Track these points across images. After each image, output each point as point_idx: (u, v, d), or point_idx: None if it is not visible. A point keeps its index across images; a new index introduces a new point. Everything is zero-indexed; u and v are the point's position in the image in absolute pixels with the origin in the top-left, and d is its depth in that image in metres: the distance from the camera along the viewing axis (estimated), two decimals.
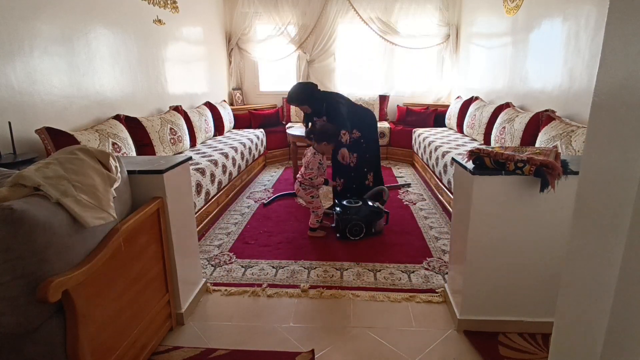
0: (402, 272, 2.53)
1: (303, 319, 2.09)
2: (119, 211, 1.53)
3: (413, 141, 5.39)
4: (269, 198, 4.01)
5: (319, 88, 3.39)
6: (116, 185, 1.53)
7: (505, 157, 1.72)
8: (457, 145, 4.19)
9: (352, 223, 2.95)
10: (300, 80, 3.92)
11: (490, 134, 4.00)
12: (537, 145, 3.02)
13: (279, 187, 4.50)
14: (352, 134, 3.42)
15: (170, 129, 3.74)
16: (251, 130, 5.50)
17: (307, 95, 3.28)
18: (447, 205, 3.58)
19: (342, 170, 3.49)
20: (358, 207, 3.03)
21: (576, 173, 1.70)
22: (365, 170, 3.54)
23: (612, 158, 0.64)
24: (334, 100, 3.37)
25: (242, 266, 2.64)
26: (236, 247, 2.92)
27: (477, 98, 4.82)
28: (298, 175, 3.10)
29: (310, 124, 3.51)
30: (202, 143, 4.51)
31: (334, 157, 3.38)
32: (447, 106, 5.71)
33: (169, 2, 4.25)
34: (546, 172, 1.64)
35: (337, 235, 3.04)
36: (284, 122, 6.18)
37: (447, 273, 2.42)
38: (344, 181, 3.52)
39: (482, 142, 4.23)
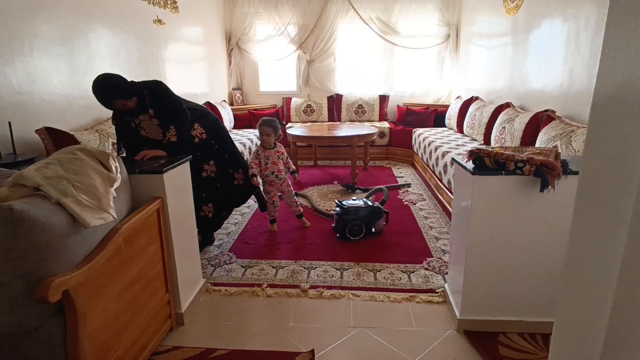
0: (402, 272, 2.53)
1: (303, 319, 2.09)
2: (119, 211, 1.53)
3: (413, 141, 5.39)
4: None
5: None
6: (116, 185, 1.53)
7: (505, 157, 1.72)
8: (457, 145, 4.19)
9: (351, 223, 2.95)
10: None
11: (490, 134, 4.00)
12: (537, 145, 3.02)
13: None
14: (195, 131, 2.66)
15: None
16: (251, 130, 5.50)
17: (124, 82, 2.20)
18: (447, 205, 3.58)
19: (206, 189, 2.75)
20: (358, 207, 3.03)
21: (576, 173, 1.70)
22: (230, 172, 2.89)
23: (612, 158, 0.64)
24: (155, 84, 2.40)
25: (242, 266, 2.64)
26: (236, 247, 2.92)
27: (477, 98, 4.82)
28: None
29: (122, 145, 2.49)
30: None
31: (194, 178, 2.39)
32: (447, 106, 5.71)
33: (169, 2, 4.25)
34: (546, 172, 1.64)
35: (337, 235, 3.04)
36: (284, 122, 6.18)
37: (447, 273, 2.42)
38: (212, 205, 2.81)
39: (482, 142, 4.23)
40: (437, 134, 4.90)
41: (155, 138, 2.44)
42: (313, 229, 3.22)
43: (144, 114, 2.38)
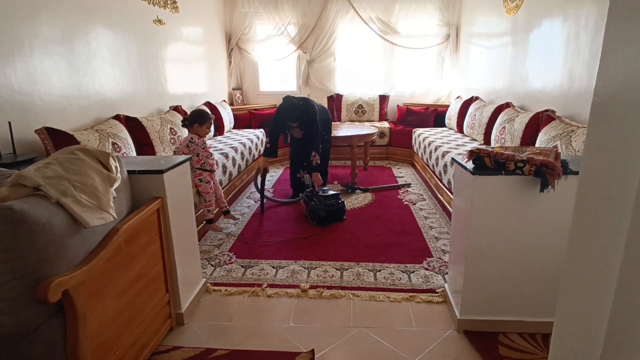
0: (402, 272, 2.53)
1: (303, 319, 2.09)
2: (119, 211, 1.53)
3: (413, 141, 5.39)
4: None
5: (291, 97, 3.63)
6: (116, 185, 1.53)
7: (505, 157, 1.72)
8: (457, 145, 4.19)
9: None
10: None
11: (490, 134, 4.00)
12: (537, 145, 3.02)
13: (279, 187, 4.50)
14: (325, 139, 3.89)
15: (170, 129, 3.73)
16: (251, 130, 5.50)
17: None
18: (447, 205, 3.58)
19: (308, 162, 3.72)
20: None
21: (576, 173, 1.70)
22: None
23: (612, 158, 0.64)
24: (312, 113, 3.59)
25: (242, 266, 2.64)
26: (236, 247, 2.92)
27: (477, 98, 4.82)
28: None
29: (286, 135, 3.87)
30: None
31: (295, 147, 3.87)
32: (447, 106, 5.71)
33: (169, 2, 4.25)
34: (546, 172, 1.64)
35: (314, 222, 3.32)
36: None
37: (447, 273, 2.42)
38: (305, 172, 3.86)
39: (482, 142, 4.23)
40: (437, 134, 4.90)
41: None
42: (314, 229, 3.22)
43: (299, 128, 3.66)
